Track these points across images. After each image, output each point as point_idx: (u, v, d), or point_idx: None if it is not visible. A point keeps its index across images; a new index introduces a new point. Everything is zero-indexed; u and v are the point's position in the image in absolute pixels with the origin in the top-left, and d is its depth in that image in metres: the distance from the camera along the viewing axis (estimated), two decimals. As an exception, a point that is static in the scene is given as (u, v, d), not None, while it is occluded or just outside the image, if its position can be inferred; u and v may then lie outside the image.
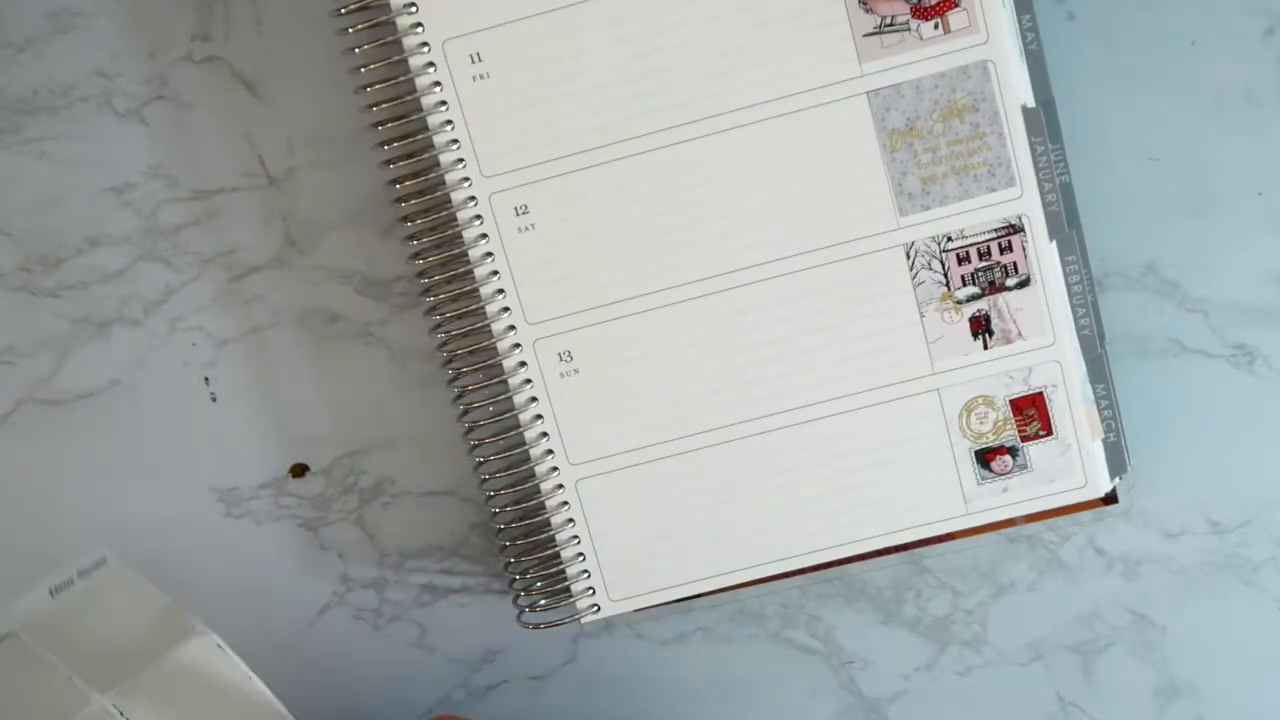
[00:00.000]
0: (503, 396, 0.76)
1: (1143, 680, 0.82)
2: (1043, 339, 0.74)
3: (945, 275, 0.74)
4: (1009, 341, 0.74)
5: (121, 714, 0.67)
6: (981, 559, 0.81)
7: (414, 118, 0.74)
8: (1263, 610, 0.81)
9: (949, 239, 0.73)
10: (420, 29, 0.73)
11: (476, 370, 0.76)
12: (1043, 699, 0.82)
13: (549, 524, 0.77)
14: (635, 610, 0.79)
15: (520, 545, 0.78)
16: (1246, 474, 0.80)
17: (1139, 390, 0.78)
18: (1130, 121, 0.77)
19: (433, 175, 0.74)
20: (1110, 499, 0.77)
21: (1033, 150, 0.72)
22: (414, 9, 0.72)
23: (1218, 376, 0.79)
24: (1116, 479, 0.77)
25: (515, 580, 0.79)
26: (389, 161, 0.75)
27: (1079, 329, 0.75)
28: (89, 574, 0.73)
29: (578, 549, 0.78)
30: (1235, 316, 0.78)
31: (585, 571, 0.78)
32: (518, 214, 0.74)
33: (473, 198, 0.74)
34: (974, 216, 0.73)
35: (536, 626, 0.80)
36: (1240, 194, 0.77)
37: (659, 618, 0.81)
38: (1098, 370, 0.75)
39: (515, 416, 0.76)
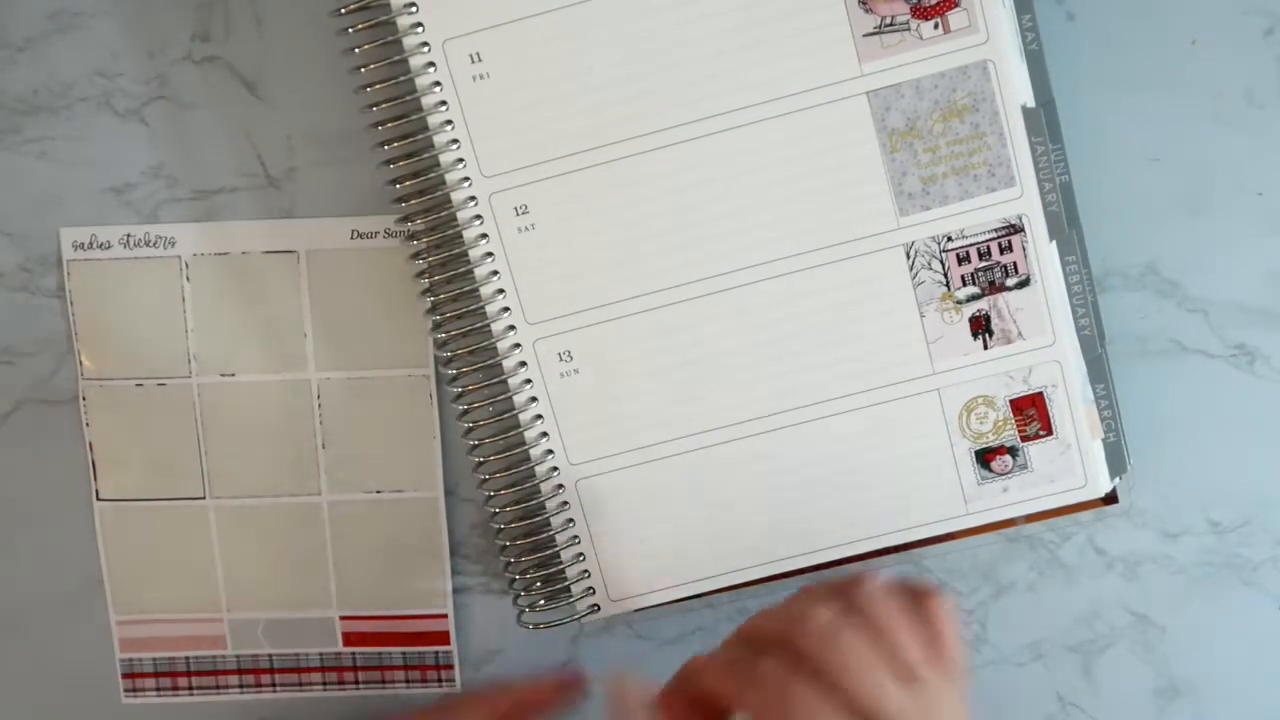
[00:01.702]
0: (502, 396, 0.76)
1: (1143, 680, 0.82)
2: (1043, 339, 0.74)
3: (945, 275, 0.74)
4: (1009, 341, 0.74)
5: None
6: (981, 559, 0.81)
7: (414, 118, 0.74)
8: (1263, 610, 0.81)
9: (949, 239, 0.73)
10: (420, 29, 0.73)
11: (476, 370, 0.76)
12: (1043, 699, 0.82)
13: (549, 524, 0.77)
14: (635, 610, 0.79)
15: (520, 545, 0.78)
16: (1246, 474, 0.80)
17: (1139, 390, 0.78)
18: (1130, 121, 0.77)
19: (432, 175, 0.74)
20: (1110, 499, 0.77)
21: (1033, 150, 0.73)
22: (414, 9, 0.72)
23: (1218, 376, 0.79)
24: (1116, 479, 0.77)
25: (515, 580, 0.79)
26: (389, 161, 0.75)
27: (1079, 329, 0.75)
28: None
29: (577, 549, 0.78)
30: (1235, 316, 0.78)
31: (585, 571, 0.78)
32: (518, 214, 0.74)
33: (473, 198, 0.74)
34: (974, 216, 0.73)
35: (537, 626, 0.80)
36: (1240, 194, 0.77)
37: (659, 617, 0.81)
38: (1098, 370, 0.76)
39: (515, 416, 0.76)
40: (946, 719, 0.64)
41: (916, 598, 0.66)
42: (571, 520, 0.77)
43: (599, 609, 0.79)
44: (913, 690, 0.63)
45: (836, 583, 0.66)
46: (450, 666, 0.82)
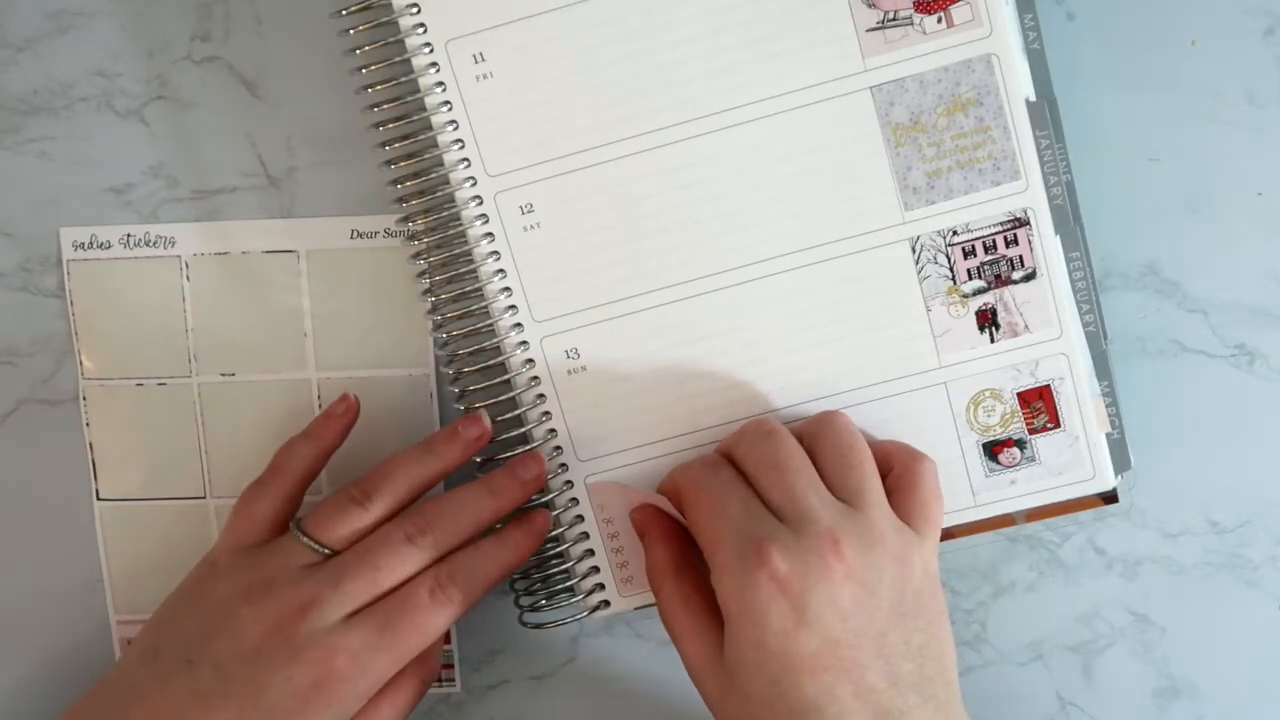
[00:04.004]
0: (505, 396, 0.76)
1: (1143, 680, 0.82)
2: (1049, 332, 0.74)
3: (951, 269, 0.74)
4: (1016, 334, 0.74)
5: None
6: (981, 559, 0.81)
7: (416, 118, 0.74)
8: (1263, 610, 0.81)
9: (955, 233, 0.74)
10: (423, 29, 0.73)
11: (478, 370, 0.76)
12: (1043, 699, 0.82)
13: (555, 523, 0.77)
14: (635, 609, 0.78)
15: (522, 545, 0.78)
16: (1246, 474, 0.80)
17: (1139, 390, 0.79)
18: (1130, 121, 0.77)
19: (435, 175, 0.74)
20: (1110, 498, 0.77)
21: (1037, 144, 0.73)
22: (416, 9, 0.72)
23: (1218, 376, 0.79)
24: (1119, 476, 0.77)
25: (516, 580, 0.78)
26: (390, 161, 0.74)
27: (1083, 325, 0.75)
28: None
29: (586, 546, 0.78)
30: (1235, 316, 0.78)
31: (594, 567, 0.78)
32: (523, 212, 0.74)
33: (478, 197, 0.74)
34: (979, 210, 0.73)
35: (538, 627, 0.79)
36: (1240, 194, 0.78)
37: (659, 617, 0.81)
38: (1102, 367, 0.76)
39: (518, 416, 0.76)
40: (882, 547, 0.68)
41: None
42: (580, 517, 0.77)
43: (609, 604, 0.79)
44: (849, 513, 0.68)
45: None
46: (450, 666, 0.82)
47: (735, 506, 0.69)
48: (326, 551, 0.71)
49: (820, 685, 0.66)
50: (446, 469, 0.74)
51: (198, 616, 0.71)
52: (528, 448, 0.76)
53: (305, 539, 0.72)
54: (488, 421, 0.75)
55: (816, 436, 0.71)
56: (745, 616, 0.67)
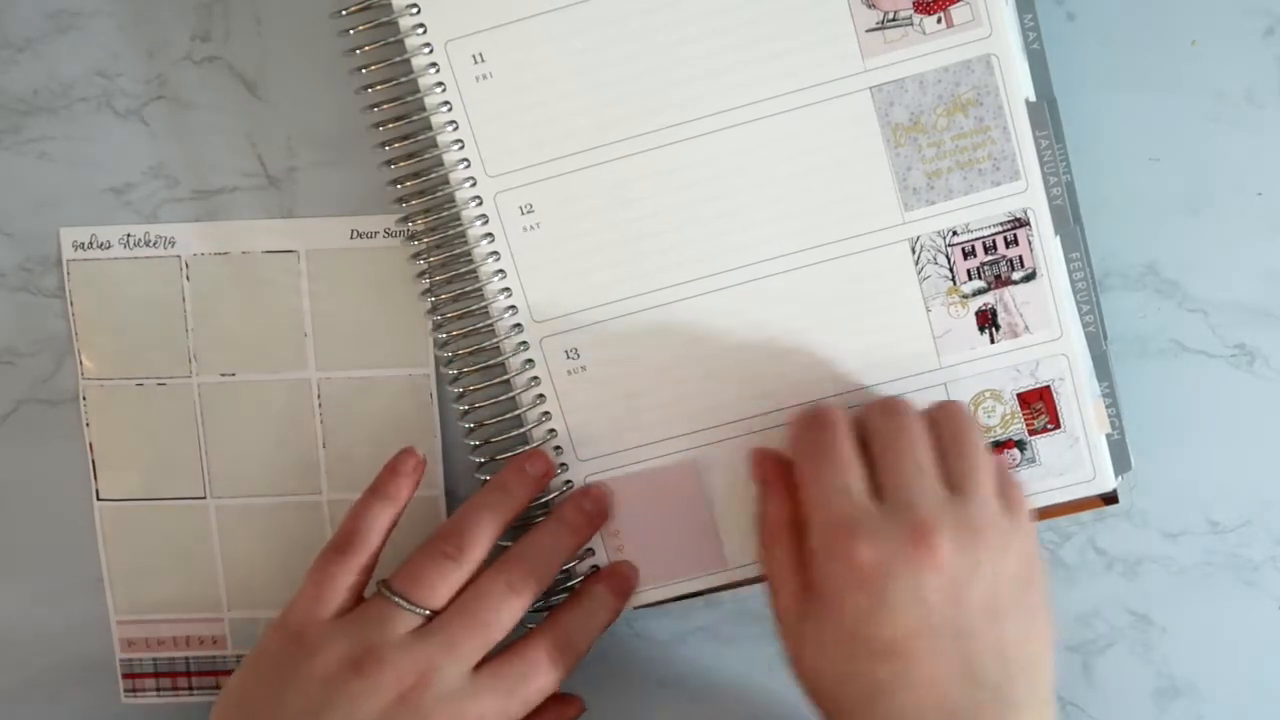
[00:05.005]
0: (505, 396, 0.76)
1: (1143, 680, 0.82)
2: (1049, 332, 0.74)
3: (951, 270, 0.74)
4: (1015, 335, 0.74)
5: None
6: (982, 559, 0.81)
7: (416, 118, 0.74)
8: (1263, 610, 0.81)
9: (954, 233, 0.74)
10: (423, 30, 0.73)
11: (478, 370, 0.76)
12: (1043, 699, 0.82)
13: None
14: (635, 608, 0.78)
15: (522, 545, 0.78)
16: (1246, 474, 0.80)
17: (1139, 390, 0.79)
18: (1130, 121, 0.77)
19: (435, 175, 0.74)
20: (1110, 499, 0.77)
21: (1037, 144, 0.73)
22: (416, 10, 0.72)
23: (1218, 376, 0.79)
24: (1119, 477, 0.77)
25: (516, 580, 0.78)
26: (390, 161, 0.74)
27: (1083, 325, 0.75)
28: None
29: (585, 546, 0.78)
30: (1235, 316, 0.78)
31: (594, 568, 0.78)
32: (523, 213, 0.74)
33: (478, 198, 0.74)
34: (979, 210, 0.73)
35: (538, 627, 0.80)
36: (1240, 194, 0.78)
37: (659, 617, 0.81)
38: (1102, 368, 0.76)
39: (518, 416, 0.76)
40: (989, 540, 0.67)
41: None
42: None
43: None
44: (951, 501, 0.68)
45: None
46: (451, 667, 0.82)
47: (836, 483, 0.68)
48: (427, 613, 0.71)
49: (893, 670, 0.66)
50: (522, 507, 0.75)
51: (297, 694, 0.70)
52: (528, 448, 0.76)
53: (404, 603, 0.71)
54: (551, 456, 0.76)
55: (935, 421, 0.71)
56: (825, 597, 0.67)
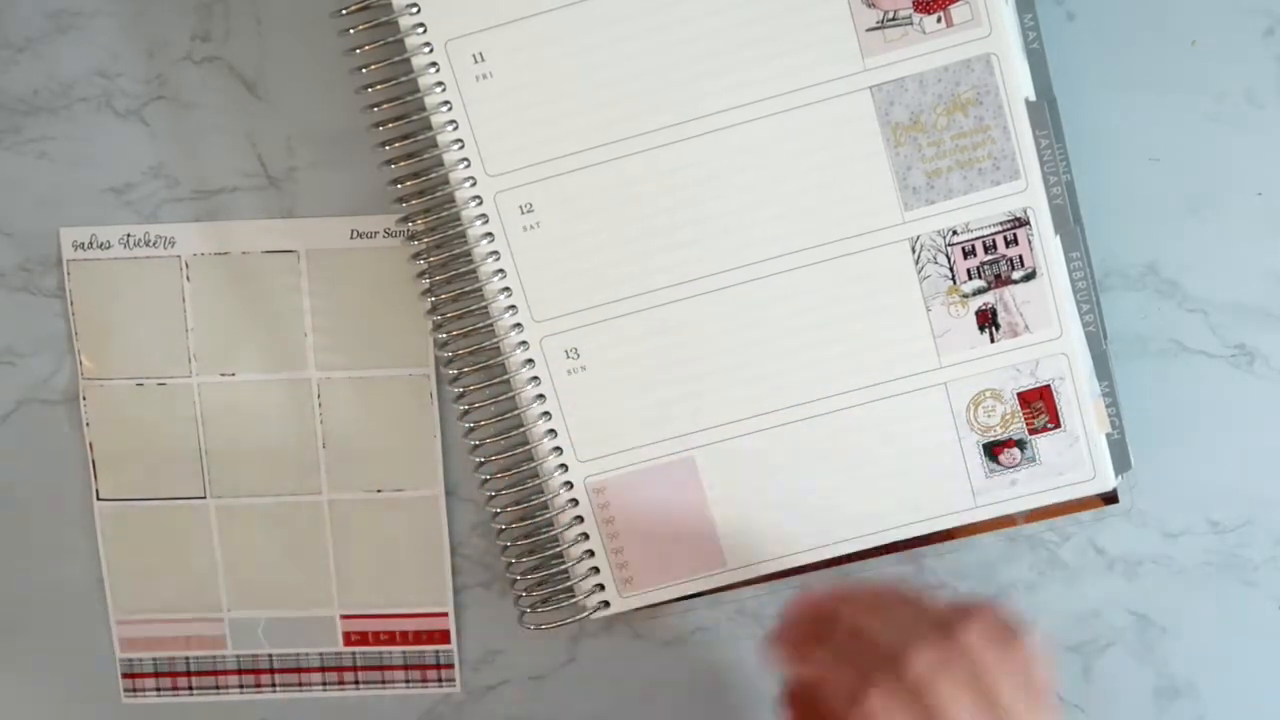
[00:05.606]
0: (504, 396, 0.76)
1: (1143, 680, 0.82)
2: (1049, 332, 0.74)
3: (951, 269, 0.74)
4: (1016, 335, 0.74)
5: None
6: (982, 559, 0.81)
7: (416, 118, 0.74)
8: (1263, 610, 0.81)
9: (954, 233, 0.74)
10: (422, 29, 0.73)
11: (478, 370, 0.76)
12: (1043, 699, 0.82)
13: (552, 524, 0.77)
14: (635, 609, 0.79)
15: (522, 545, 0.78)
16: (1246, 474, 0.80)
17: (1139, 390, 0.78)
18: (1130, 121, 0.77)
19: (435, 175, 0.74)
20: (1110, 499, 0.77)
21: (1037, 143, 0.73)
22: (416, 9, 0.72)
23: (1218, 376, 0.79)
24: (1119, 477, 0.77)
25: (517, 580, 0.78)
26: (390, 161, 0.74)
27: (1083, 325, 0.75)
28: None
29: (585, 545, 0.78)
30: (1235, 316, 0.78)
31: (594, 568, 0.78)
32: (523, 212, 0.74)
33: (478, 197, 0.74)
34: (979, 210, 0.73)
35: (538, 627, 0.79)
36: (1240, 194, 0.78)
37: (659, 617, 0.81)
38: (1102, 367, 0.76)
39: (517, 416, 0.76)
40: None
41: (1012, 637, 0.65)
42: (580, 518, 0.77)
43: (609, 605, 0.79)
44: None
45: (940, 612, 0.65)
46: (450, 666, 0.82)
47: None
48: None
49: None
50: None
51: None
52: (524, 448, 0.76)
53: None
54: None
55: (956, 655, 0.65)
56: None
